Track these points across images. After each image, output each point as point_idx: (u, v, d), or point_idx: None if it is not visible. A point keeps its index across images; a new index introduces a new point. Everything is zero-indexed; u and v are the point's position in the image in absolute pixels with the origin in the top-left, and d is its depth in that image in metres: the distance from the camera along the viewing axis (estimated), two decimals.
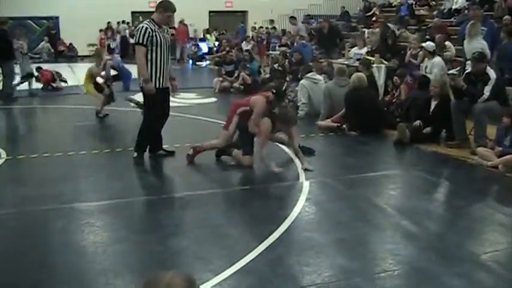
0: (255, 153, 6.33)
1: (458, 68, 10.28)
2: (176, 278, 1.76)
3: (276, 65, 13.15)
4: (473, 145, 7.04)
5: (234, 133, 6.57)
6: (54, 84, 13.41)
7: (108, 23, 23.79)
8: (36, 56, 22.05)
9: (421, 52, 10.11)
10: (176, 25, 21.68)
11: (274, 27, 21.68)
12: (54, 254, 4.10)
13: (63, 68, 16.71)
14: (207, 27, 25.31)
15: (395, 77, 9.49)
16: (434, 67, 9.11)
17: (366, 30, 14.56)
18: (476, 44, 8.61)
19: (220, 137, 6.67)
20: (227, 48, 17.70)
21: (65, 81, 13.94)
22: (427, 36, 11.94)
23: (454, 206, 5.38)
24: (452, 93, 7.59)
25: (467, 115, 7.37)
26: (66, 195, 5.44)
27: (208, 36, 23.11)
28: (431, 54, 9.36)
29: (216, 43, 22.35)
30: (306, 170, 6.23)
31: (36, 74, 13.12)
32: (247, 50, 15.70)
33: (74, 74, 15.96)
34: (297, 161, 6.54)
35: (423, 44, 9.76)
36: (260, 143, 6.32)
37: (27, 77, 12.59)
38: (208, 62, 21.09)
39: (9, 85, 11.62)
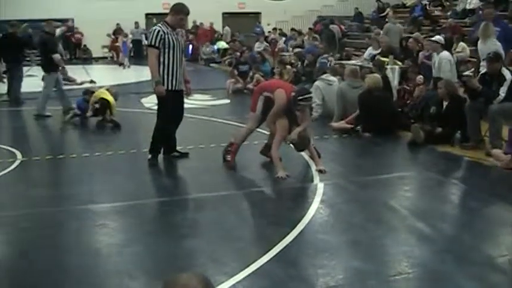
0: (273, 153, 6.23)
1: (472, 69, 10.19)
2: (192, 279, 1.78)
3: (290, 67, 13.13)
4: (488, 146, 6.98)
5: (262, 113, 6.42)
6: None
7: (117, 24, 23.79)
8: None
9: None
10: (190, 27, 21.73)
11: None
12: (69, 255, 4.13)
13: (78, 70, 16.86)
14: (221, 28, 25.38)
15: (420, 76, 9.37)
16: (441, 60, 8.94)
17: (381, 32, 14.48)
18: (491, 45, 8.53)
19: (249, 121, 6.59)
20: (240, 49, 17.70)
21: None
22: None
23: (469, 207, 5.33)
24: (467, 94, 7.53)
25: (482, 116, 7.31)
26: (80, 196, 5.48)
27: (220, 43, 23.07)
28: (442, 47, 9.18)
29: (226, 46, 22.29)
30: (320, 171, 6.22)
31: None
32: (259, 52, 15.71)
33: (89, 76, 16.08)
34: (311, 162, 6.52)
35: (434, 38, 9.57)
36: (276, 142, 6.25)
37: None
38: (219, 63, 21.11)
39: (16, 88, 11.66)
